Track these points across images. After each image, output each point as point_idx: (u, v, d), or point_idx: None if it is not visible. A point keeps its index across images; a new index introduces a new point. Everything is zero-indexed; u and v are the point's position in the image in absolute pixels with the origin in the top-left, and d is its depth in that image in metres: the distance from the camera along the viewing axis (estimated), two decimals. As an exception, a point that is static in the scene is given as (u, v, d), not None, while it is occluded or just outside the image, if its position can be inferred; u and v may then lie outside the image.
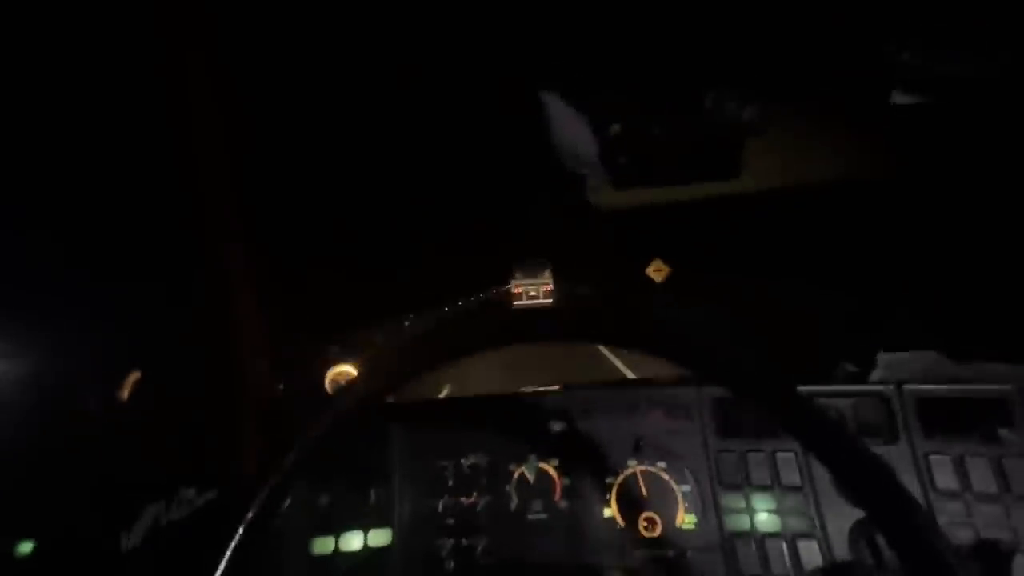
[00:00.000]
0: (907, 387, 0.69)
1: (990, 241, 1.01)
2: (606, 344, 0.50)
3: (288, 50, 0.88)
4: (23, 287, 0.78)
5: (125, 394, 0.78)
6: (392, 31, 0.89)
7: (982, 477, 0.64)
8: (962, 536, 0.60)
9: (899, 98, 1.05)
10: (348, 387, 0.49)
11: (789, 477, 0.67)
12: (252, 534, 0.41)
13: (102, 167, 0.80)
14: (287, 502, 0.43)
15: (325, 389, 0.81)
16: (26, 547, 0.64)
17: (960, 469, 0.64)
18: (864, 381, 0.74)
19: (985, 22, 0.88)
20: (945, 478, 0.65)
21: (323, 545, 0.68)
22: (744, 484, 0.68)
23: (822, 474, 0.67)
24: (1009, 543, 0.59)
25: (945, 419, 0.67)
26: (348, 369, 0.82)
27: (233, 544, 0.40)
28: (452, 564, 0.67)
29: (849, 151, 1.19)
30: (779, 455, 0.68)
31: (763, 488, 0.67)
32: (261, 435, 0.76)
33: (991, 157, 1.00)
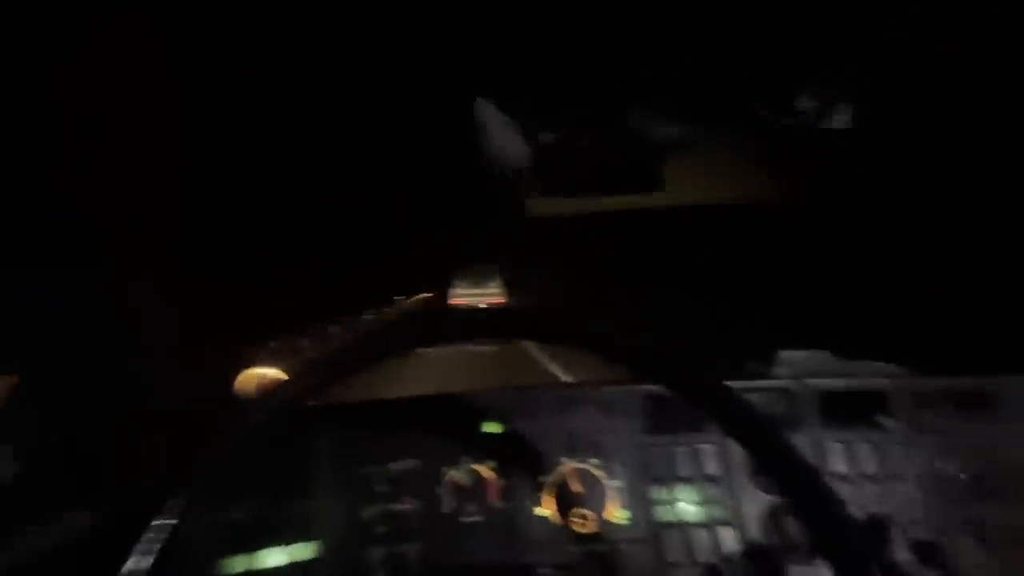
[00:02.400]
0: (808, 382, 0.76)
1: (872, 259, 1.15)
2: (540, 341, 0.50)
3: (222, 48, 0.82)
4: None
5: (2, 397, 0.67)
6: (331, 37, 0.87)
7: (867, 460, 0.72)
8: (853, 513, 0.67)
9: (813, 122, 1.19)
10: (269, 391, 0.45)
11: (711, 468, 0.72)
12: (162, 563, 0.36)
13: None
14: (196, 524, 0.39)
15: (237, 394, 0.75)
16: None
17: (850, 454, 0.72)
18: (767, 377, 0.81)
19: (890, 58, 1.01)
20: (838, 462, 0.72)
21: (238, 565, 0.62)
22: (670, 477, 0.72)
23: (738, 465, 0.72)
24: (889, 518, 0.67)
25: (837, 410, 0.75)
26: (265, 372, 0.76)
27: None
28: (384, 574, 0.65)
29: (761, 172, 1.31)
30: (701, 448, 0.72)
31: (687, 480, 0.71)
32: (166, 448, 0.69)
33: (893, 180, 1.14)
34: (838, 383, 0.76)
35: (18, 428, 0.64)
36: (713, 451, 0.73)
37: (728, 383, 0.45)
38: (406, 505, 0.68)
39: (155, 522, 0.37)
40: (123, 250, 0.73)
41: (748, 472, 0.72)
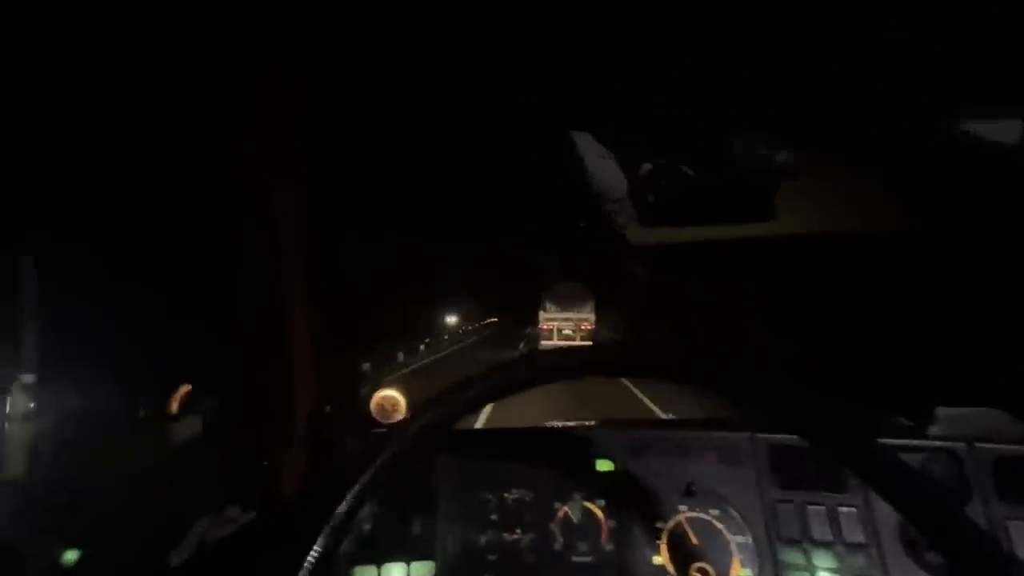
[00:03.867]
0: (979, 445, 0.66)
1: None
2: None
3: (357, 80, 0.92)
4: (79, 301, 0.81)
5: (175, 407, 0.79)
6: (444, 77, 0.93)
7: (1066, 547, 0.60)
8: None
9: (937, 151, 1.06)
10: (408, 422, 0.48)
11: (852, 534, 0.64)
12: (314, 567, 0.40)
13: (170, 187, 0.84)
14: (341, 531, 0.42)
15: (370, 412, 0.81)
16: (72, 556, 0.64)
17: (1041, 537, 0.60)
18: (921, 436, 0.71)
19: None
20: (1022, 544, 0.61)
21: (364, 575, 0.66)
22: (803, 539, 0.65)
23: (889, 531, 0.64)
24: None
25: (1019, 481, 0.64)
26: (393, 394, 0.82)
27: None
28: None
29: (884, 200, 1.18)
30: (841, 509, 0.65)
31: (824, 544, 0.64)
32: (306, 456, 0.76)
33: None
34: (1019, 449, 0.65)
35: (195, 430, 0.75)
36: (857, 514, 0.65)
37: (878, 439, 0.40)
38: (519, 536, 0.68)
39: (309, 529, 0.41)
40: (269, 279, 0.82)
41: (902, 541, 0.63)
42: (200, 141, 0.80)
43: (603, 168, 1.25)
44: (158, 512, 0.68)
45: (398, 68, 0.92)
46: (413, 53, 0.89)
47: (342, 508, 0.42)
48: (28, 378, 0.73)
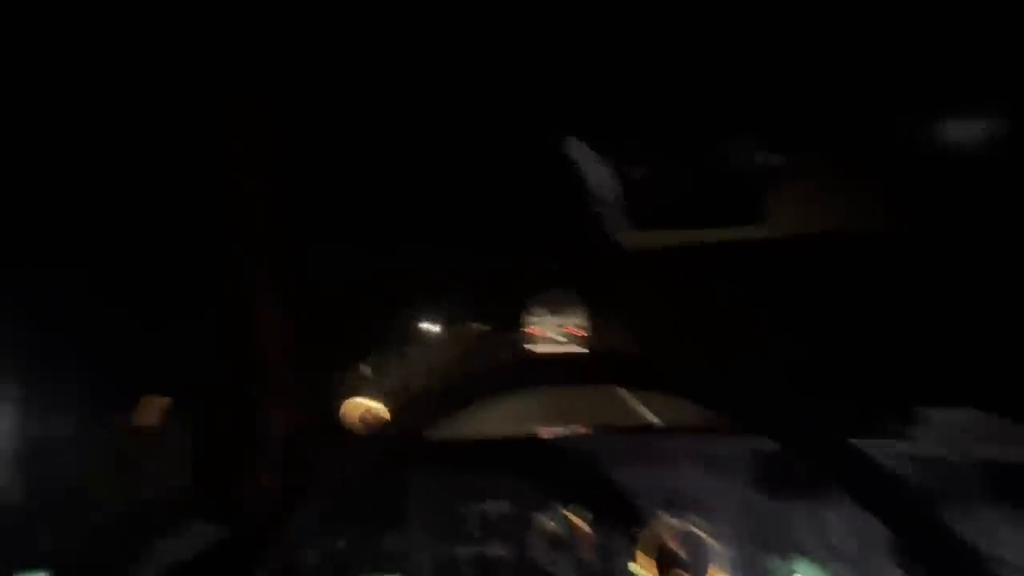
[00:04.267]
0: (966, 448, 0.64)
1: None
2: (645, 389, 0.47)
3: (330, 94, 0.90)
4: (42, 314, 0.78)
5: (149, 421, 0.77)
6: (426, 80, 0.92)
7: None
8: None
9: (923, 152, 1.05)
10: (379, 426, 0.46)
11: (841, 544, 0.62)
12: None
13: (140, 199, 0.82)
14: (305, 546, 0.40)
15: (344, 424, 0.79)
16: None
17: (1032, 543, 0.59)
18: (906, 438, 0.70)
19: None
20: (1013, 552, 0.59)
21: (336, 592, 0.64)
22: (790, 548, 0.63)
23: (876, 540, 0.62)
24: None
25: (1013, 486, 0.62)
26: (368, 404, 0.79)
27: None
28: None
29: (878, 202, 1.18)
30: (830, 518, 0.63)
31: (811, 554, 0.62)
32: (277, 470, 0.74)
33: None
34: (1012, 453, 0.63)
35: (173, 444, 0.73)
36: (843, 521, 0.63)
37: (855, 443, 0.39)
38: (497, 550, 0.67)
39: (271, 544, 0.39)
40: (239, 293, 0.80)
41: (889, 550, 0.61)
42: (167, 144, 0.78)
43: (594, 172, 1.24)
44: (121, 531, 0.66)
45: (376, 70, 0.90)
46: (394, 56, 0.87)
47: (310, 523, 0.40)
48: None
